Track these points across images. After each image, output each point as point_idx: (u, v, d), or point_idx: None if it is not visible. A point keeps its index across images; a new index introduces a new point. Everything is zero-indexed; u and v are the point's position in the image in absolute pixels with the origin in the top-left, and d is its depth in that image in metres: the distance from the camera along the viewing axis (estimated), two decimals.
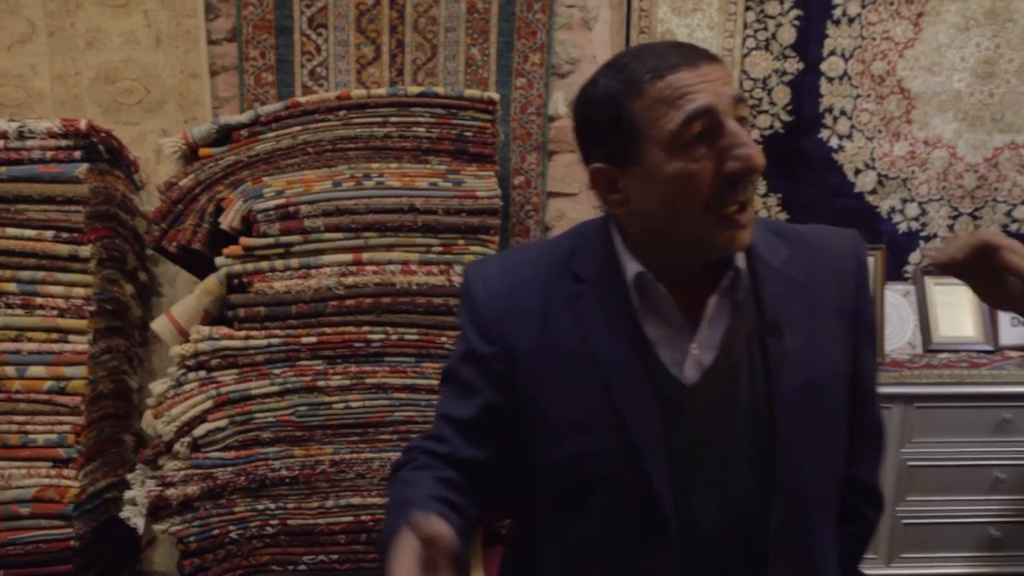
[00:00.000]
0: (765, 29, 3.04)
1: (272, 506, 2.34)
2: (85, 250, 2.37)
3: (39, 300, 2.41)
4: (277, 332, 2.36)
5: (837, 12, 3.06)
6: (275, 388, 2.36)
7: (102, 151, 2.45)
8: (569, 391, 1.25)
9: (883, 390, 2.74)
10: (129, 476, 2.37)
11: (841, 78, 3.13)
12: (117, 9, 2.70)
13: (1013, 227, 3.31)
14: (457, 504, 1.25)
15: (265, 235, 2.33)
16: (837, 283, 1.34)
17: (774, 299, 1.28)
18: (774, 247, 1.32)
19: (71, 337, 2.41)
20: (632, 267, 1.25)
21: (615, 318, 1.25)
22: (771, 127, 3.11)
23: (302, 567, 2.35)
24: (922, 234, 3.28)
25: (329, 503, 2.36)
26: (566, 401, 1.25)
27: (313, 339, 2.33)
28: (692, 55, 1.17)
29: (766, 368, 1.26)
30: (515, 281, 1.31)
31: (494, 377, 1.28)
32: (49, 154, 2.37)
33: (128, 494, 2.29)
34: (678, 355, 1.25)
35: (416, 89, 2.42)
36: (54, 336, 2.42)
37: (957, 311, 3.25)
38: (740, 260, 1.26)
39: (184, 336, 2.34)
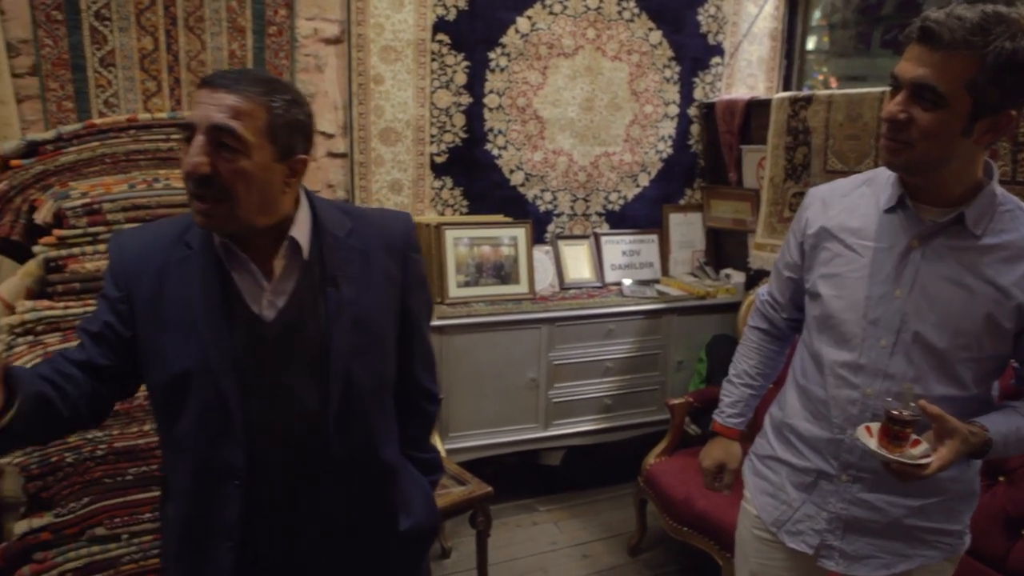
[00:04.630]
0: (445, 74, 3.22)
1: (100, 434, 2.31)
2: None
3: None
4: (91, 301, 2.34)
5: (492, 63, 3.29)
6: None
7: None
8: (172, 327, 1.34)
9: (535, 316, 3.10)
10: None
11: (497, 108, 3.35)
12: None
13: (609, 206, 3.67)
14: (57, 383, 1.32)
15: (74, 227, 2.33)
16: (388, 252, 1.45)
17: (333, 260, 1.38)
18: (340, 222, 1.42)
19: None
20: (217, 236, 1.35)
21: (210, 274, 1.34)
22: (453, 142, 3.30)
23: (128, 477, 2.33)
24: (555, 212, 3.54)
25: (147, 427, 2.35)
26: (170, 335, 1.34)
27: None
28: (221, 79, 1.24)
29: (326, 309, 1.37)
30: (141, 247, 1.38)
31: (119, 313, 1.38)
32: None
33: None
34: (259, 300, 1.36)
35: None
36: None
37: (579, 262, 3.51)
38: (298, 233, 1.36)
39: (11, 309, 2.29)
